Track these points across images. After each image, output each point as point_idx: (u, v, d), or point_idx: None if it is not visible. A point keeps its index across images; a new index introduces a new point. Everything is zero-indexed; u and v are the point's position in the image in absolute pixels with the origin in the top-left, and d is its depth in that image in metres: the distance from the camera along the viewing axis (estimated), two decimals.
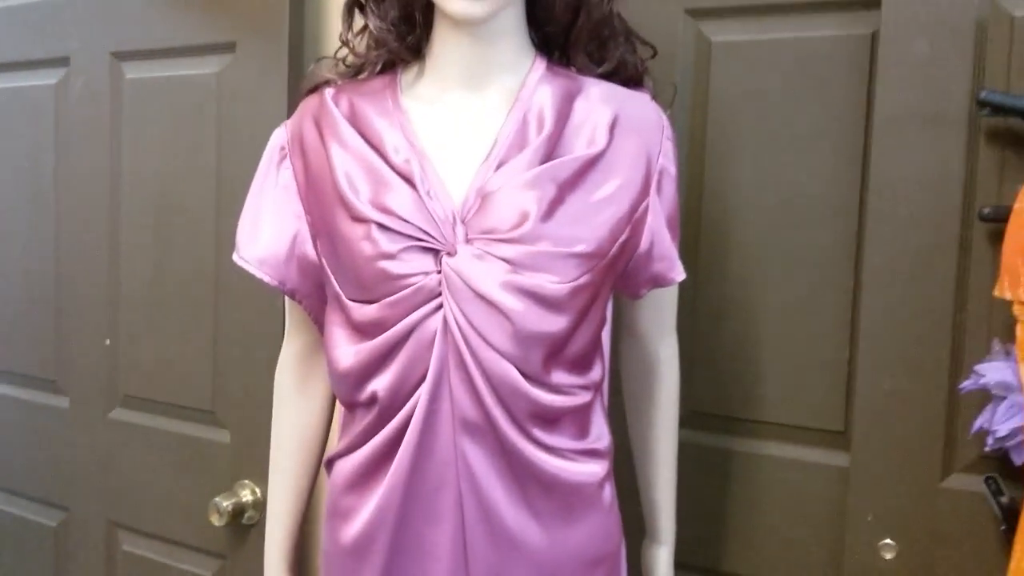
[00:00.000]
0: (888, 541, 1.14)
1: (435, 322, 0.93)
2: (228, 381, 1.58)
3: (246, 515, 1.52)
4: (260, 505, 1.50)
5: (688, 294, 1.30)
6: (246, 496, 1.53)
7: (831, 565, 1.23)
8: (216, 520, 1.50)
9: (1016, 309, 0.98)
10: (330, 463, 1.04)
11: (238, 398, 1.55)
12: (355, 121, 1.00)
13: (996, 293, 1.00)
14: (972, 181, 1.10)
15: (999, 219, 1.03)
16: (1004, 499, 1.06)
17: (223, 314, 1.58)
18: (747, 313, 1.29)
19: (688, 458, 1.28)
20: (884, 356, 1.15)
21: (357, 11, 1.06)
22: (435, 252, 0.93)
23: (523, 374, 0.93)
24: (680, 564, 1.27)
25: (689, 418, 1.31)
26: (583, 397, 0.98)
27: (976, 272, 1.09)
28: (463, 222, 0.94)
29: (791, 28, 1.24)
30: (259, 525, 1.50)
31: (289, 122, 1.07)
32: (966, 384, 1.06)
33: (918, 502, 1.14)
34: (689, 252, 1.30)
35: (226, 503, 1.51)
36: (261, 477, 1.45)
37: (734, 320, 1.30)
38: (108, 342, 1.72)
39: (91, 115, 1.73)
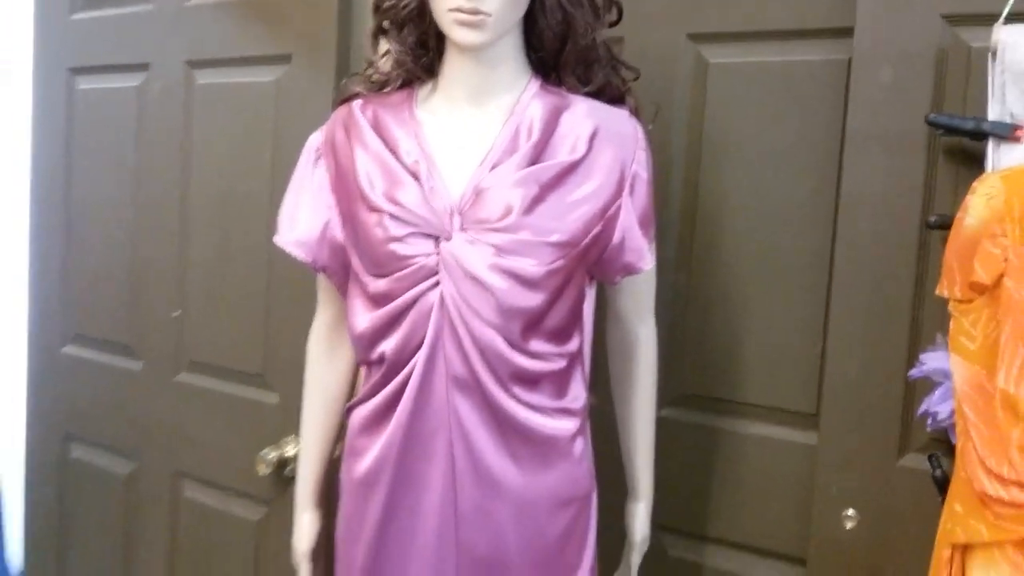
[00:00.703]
0: (850, 512, 1.21)
1: (433, 296, 1.04)
2: (277, 349, 1.67)
3: (288, 467, 1.60)
4: None
5: (681, 288, 1.37)
6: (290, 451, 1.61)
7: (800, 531, 1.29)
8: (262, 470, 1.58)
9: (951, 306, 1.03)
10: (350, 411, 1.15)
11: (286, 364, 1.62)
12: (377, 128, 1.11)
13: (937, 291, 1.05)
14: (930, 194, 1.16)
15: (944, 227, 1.08)
16: (938, 473, 1.11)
17: (274, 291, 1.67)
18: (733, 306, 1.36)
19: (675, 435, 1.36)
20: (851, 347, 1.21)
21: (382, 37, 1.16)
22: (435, 238, 1.04)
23: (506, 341, 1.04)
24: (668, 529, 1.36)
25: (677, 399, 1.39)
26: (559, 363, 1.08)
27: (932, 275, 1.14)
28: (460, 214, 1.04)
29: (779, 52, 1.31)
30: None
31: (324, 127, 1.17)
32: (913, 372, 1.12)
33: (877, 478, 1.20)
34: (683, 250, 1.38)
35: (272, 455, 1.59)
36: None
37: (721, 312, 1.37)
38: (177, 313, 1.82)
39: (167, 114, 1.82)
